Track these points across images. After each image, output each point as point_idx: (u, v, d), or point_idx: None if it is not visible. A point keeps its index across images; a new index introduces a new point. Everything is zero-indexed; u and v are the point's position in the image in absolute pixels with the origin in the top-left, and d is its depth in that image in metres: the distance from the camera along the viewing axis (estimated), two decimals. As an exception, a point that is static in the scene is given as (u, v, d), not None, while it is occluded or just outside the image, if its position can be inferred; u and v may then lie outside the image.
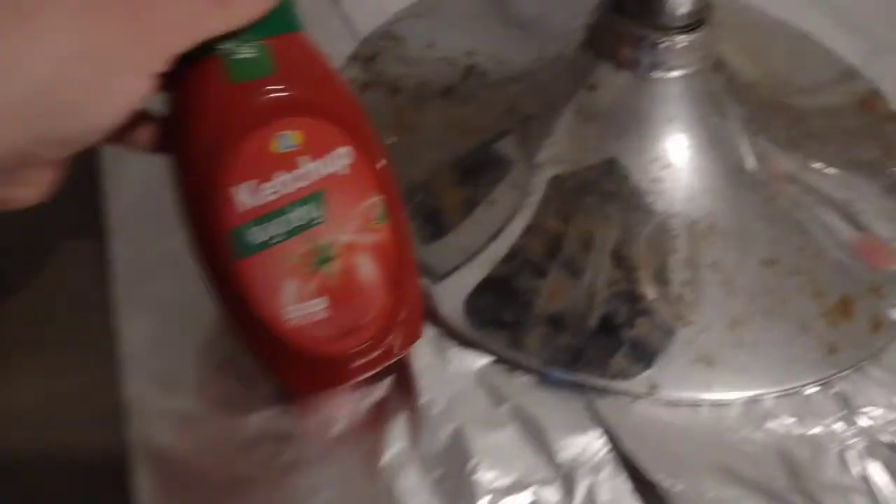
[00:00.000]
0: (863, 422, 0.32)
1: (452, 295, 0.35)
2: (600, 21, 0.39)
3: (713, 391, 0.32)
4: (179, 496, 0.29)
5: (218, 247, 0.26)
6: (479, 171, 0.39)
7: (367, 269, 0.28)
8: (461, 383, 0.32)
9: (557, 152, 0.38)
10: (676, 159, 0.37)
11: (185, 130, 0.25)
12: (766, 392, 0.33)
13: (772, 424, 0.32)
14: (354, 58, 0.47)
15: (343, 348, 0.29)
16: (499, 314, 0.34)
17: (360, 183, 0.27)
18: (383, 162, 0.28)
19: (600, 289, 0.35)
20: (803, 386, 0.33)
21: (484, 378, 0.33)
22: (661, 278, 0.35)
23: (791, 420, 0.32)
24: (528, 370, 0.33)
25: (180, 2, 0.22)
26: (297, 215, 0.26)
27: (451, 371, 0.33)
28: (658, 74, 0.37)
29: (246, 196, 0.25)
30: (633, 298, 0.34)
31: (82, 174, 0.35)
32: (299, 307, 0.27)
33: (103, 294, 0.33)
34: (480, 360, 0.33)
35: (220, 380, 0.31)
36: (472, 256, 0.36)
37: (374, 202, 0.28)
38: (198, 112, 0.25)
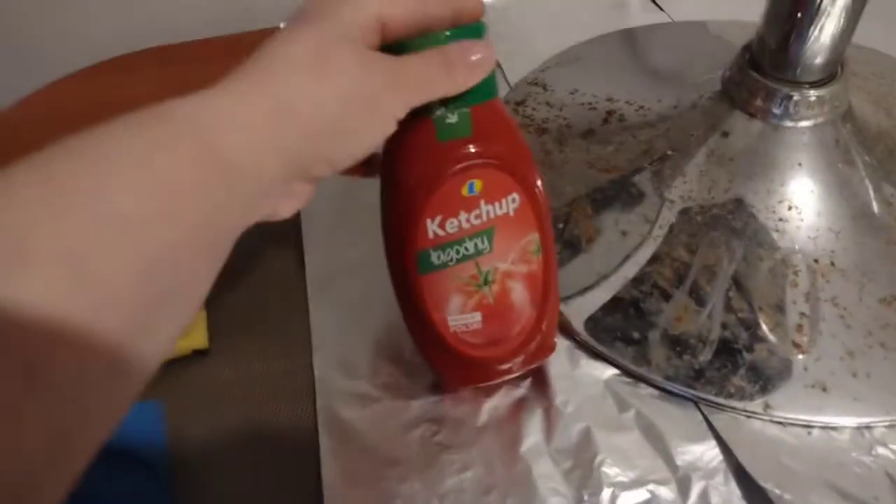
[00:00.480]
0: (975, 456, 0.34)
1: (585, 312, 0.40)
2: (736, 75, 0.43)
3: (825, 415, 0.35)
4: (354, 462, 0.35)
5: (408, 263, 0.32)
6: (613, 203, 0.44)
7: (519, 293, 0.34)
8: (591, 390, 0.37)
9: (688, 190, 0.42)
10: (802, 202, 0.40)
11: (398, 172, 0.31)
12: (878, 420, 0.35)
13: (882, 451, 0.34)
14: (506, 102, 0.53)
15: (490, 354, 0.35)
16: (627, 332, 0.39)
17: (523, 222, 0.32)
18: (544, 205, 0.33)
19: (722, 315, 0.38)
20: (916, 418, 0.35)
21: (611, 387, 0.37)
22: (781, 309, 0.38)
23: (902, 448, 0.34)
24: (651, 383, 0.37)
25: (420, 66, 0.28)
26: (470, 245, 0.32)
27: (582, 378, 0.38)
28: (789, 124, 0.41)
29: (435, 227, 0.31)
30: (752, 325, 0.38)
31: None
32: (460, 317, 0.33)
33: (302, 293, 0.41)
34: (608, 371, 0.38)
35: (390, 369, 0.38)
36: (603, 278, 0.41)
37: (532, 238, 0.33)
38: (410, 160, 0.31)
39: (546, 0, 0.65)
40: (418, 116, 0.29)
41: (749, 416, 0.36)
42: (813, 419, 0.35)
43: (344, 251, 0.43)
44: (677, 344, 0.38)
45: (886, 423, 0.35)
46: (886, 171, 0.42)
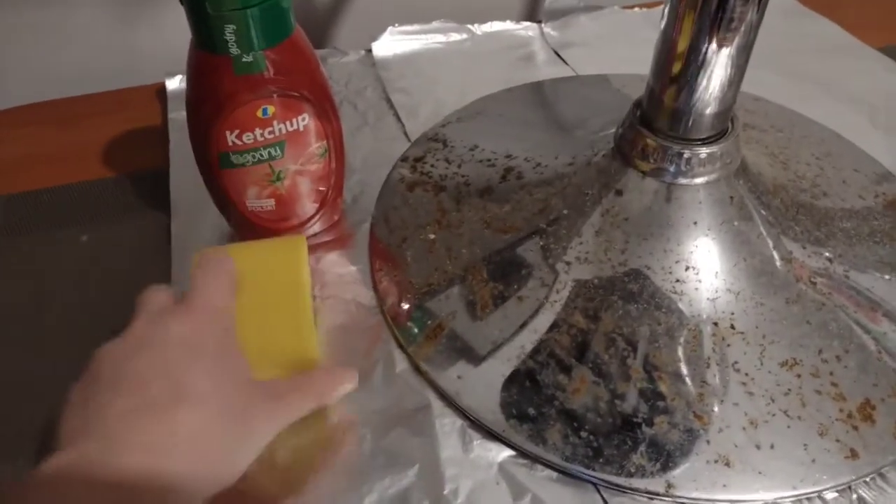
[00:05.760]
0: (884, 530, 0.32)
1: (478, 386, 0.37)
2: (627, 132, 0.41)
3: (730, 492, 0.33)
4: None
5: (211, 160, 0.39)
6: (509, 266, 0.42)
7: (306, 185, 0.42)
8: (483, 474, 0.34)
9: (584, 251, 0.41)
10: (699, 262, 0.39)
11: (205, 96, 0.37)
12: (783, 495, 0.33)
13: (790, 529, 0.32)
14: (404, 159, 0.51)
15: (282, 226, 0.43)
16: (522, 407, 0.36)
17: (313, 134, 0.40)
18: (334, 119, 0.41)
19: (621, 386, 0.36)
20: (822, 491, 0.33)
21: (505, 470, 0.34)
22: (681, 377, 0.36)
23: (809, 526, 0.32)
24: (547, 464, 0.34)
25: None
26: (265, 153, 0.39)
27: (474, 462, 0.35)
28: (682, 181, 0.40)
29: (233, 138, 0.38)
30: (653, 397, 0.36)
31: (159, 172, 0.51)
32: (257, 201, 0.41)
33: (165, 253, 0.45)
34: (503, 453, 0.35)
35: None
36: (498, 348, 0.38)
37: (319, 145, 0.41)
38: (213, 88, 0.36)
39: (450, 54, 0.64)
40: (219, 53, 0.35)
41: (651, 498, 0.33)
42: (717, 497, 0.33)
43: (207, 219, 0.45)
44: (575, 419, 0.35)
45: (792, 499, 0.33)
46: (784, 226, 0.41)
